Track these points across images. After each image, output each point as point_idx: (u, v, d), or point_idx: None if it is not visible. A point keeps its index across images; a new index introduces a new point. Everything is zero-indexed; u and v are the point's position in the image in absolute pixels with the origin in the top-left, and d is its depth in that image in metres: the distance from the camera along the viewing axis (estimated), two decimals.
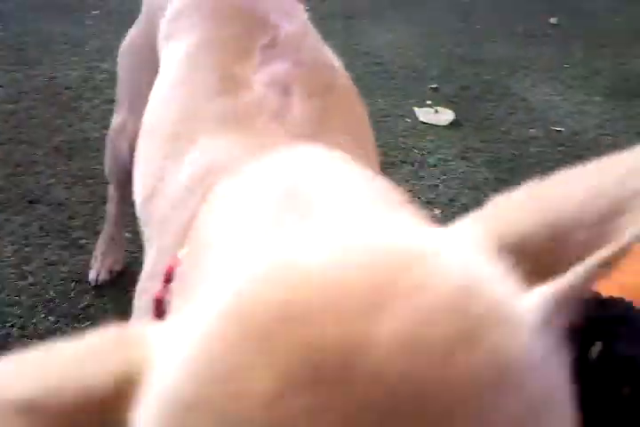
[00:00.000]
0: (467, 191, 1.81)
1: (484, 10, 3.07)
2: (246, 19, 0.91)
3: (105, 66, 2.38)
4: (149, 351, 0.31)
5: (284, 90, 0.78)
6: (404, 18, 2.96)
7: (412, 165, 1.94)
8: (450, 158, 1.97)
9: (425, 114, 2.20)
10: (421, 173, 1.90)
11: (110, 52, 2.48)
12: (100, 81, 2.29)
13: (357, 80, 2.37)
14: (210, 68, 0.82)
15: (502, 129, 2.12)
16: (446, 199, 1.77)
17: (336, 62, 0.97)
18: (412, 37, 2.77)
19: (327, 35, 2.65)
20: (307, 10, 2.78)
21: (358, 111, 0.93)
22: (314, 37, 0.99)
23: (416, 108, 2.23)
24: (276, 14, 0.93)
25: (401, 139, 2.07)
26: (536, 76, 2.47)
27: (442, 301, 0.27)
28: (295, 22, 0.95)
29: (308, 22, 1.03)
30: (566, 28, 2.90)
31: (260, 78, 0.78)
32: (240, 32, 0.88)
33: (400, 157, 1.97)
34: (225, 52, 0.84)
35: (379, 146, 2.02)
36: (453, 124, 2.15)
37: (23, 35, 2.60)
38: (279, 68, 0.81)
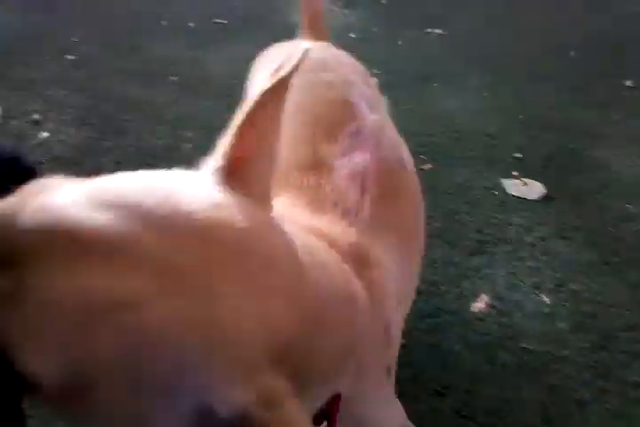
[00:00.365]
0: (572, 275, 1.76)
1: (558, 74, 3.06)
2: (338, 102, 0.98)
3: (189, 134, 2.40)
4: None
5: (361, 187, 0.84)
6: (479, 82, 2.96)
7: (510, 243, 1.90)
8: (548, 236, 1.93)
9: (513, 186, 2.17)
10: (521, 253, 1.86)
11: (191, 120, 2.51)
12: (186, 151, 2.31)
13: (436, 148, 2.36)
14: (301, 139, 0.89)
15: (597, 204, 2.07)
16: (552, 284, 1.73)
17: (406, 155, 1.03)
18: (489, 102, 2.76)
19: (401, 99, 2.65)
20: (376, 73, 2.76)
21: (413, 213, 0.98)
22: (391, 130, 1.06)
23: (503, 180, 2.20)
24: (363, 103, 1.00)
25: (492, 213, 2.03)
26: (622, 144, 2.43)
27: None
28: (378, 114, 1.02)
29: (387, 115, 1.10)
30: None
31: (342, 166, 0.86)
32: (332, 113, 0.96)
33: (496, 235, 1.93)
34: (315, 127, 0.91)
35: (470, 221, 2.00)
36: (545, 198, 2.11)
37: (106, 101, 2.65)
38: (359, 159, 0.88)
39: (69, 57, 3.06)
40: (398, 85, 2.90)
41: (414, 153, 2.33)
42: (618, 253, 1.84)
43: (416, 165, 2.24)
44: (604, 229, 1.95)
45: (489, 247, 1.88)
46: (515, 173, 2.25)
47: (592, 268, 1.78)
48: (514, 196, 2.12)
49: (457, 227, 1.97)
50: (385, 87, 2.89)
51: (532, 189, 2.16)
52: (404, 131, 2.55)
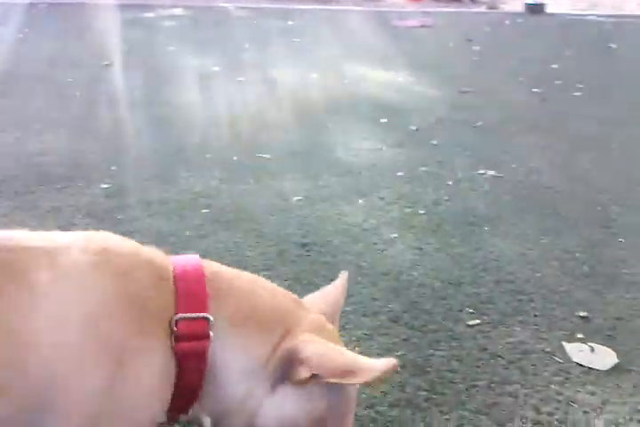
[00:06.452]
0: None
1: (625, 220, 2.77)
2: None
3: None
4: None
5: None
6: (534, 227, 2.69)
7: None
8: (622, 421, 1.55)
9: (578, 352, 1.82)
10: None
11: (220, 253, 2.29)
12: None
13: (486, 301, 2.04)
14: None
15: None
16: None
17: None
18: (546, 251, 2.47)
19: (449, 243, 2.38)
20: (423, 213, 2.50)
21: None
22: None
23: (565, 344, 1.85)
24: None
25: (554, 387, 1.67)
26: None
27: None
28: None
29: None
30: None
31: None
32: None
33: (558, 415, 1.56)
34: None
35: (524, 395, 1.63)
36: (617, 369, 1.75)
37: (133, 232, 2.47)
38: None
39: (103, 186, 2.96)
40: (446, 229, 2.66)
41: (460, 305, 2.04)
42: None
43: (461, 319, 1.95)
44: None
45: None
46: (580, 336, 1.90)
47: None
48: (578, 364, 1.77)
49: (508, 402, 1.61)
50: (431, 230, 2.68)
51: (601, 357, 1.80)
52: (453, 279, 2.28)
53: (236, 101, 4.78)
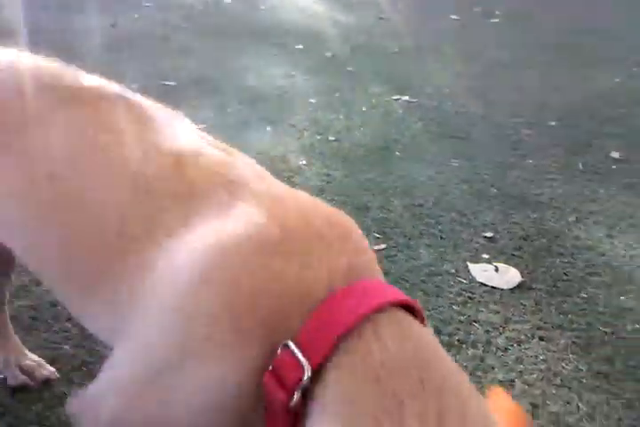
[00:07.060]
0: (554, 391, 1.35)
1: (535, 142, 2.74)
2: None
3: None
4: None
5: None
6: (445, 151, 2.63)
7: (476, 346, 1.49)
8: (524, 338, 1.53)
9: (482, 272, 1.79)
10: (489, 361, 1.45)
11: None
12: None
13: (393, 225, 1.98)
14: None
15: (584, 295, 1.69)
16: (529, 405, 1.31)
17: None
18: (456, 174, 2.42)
19: (359, 169, 2.29)
20: (333, 140, 2.40)
21: None
22: None
23: (470, 264, 1.82)
24: None
25: (456, 307, 1.64)
26: (610, 224, 2.08)
27: None
28: None
29: None
30: (633, 164, 2.54)
31: None
32: None
33: (459, 336, 1.53)
34: None
35: (427, 316, 1.60)
36: (520, 288, 1.73)
37: None
38: None
39: None
40: (357, 155, 2.57)
41: (367, 230, 1.98)
42: (612, 360, 1.44)
43: (369, 244, 1.88)
44: (593, 328, 1.56)
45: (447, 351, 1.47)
46: (485, 256, 1.87)
47: (581, 382, 1.37)
48: (482, 284, 1.74)
49: None
50: (341, 157, 2.59)
51: (505, 276, 1.78)
52: (361, 204, 2.21)
53: (141, 26, 4.48)
